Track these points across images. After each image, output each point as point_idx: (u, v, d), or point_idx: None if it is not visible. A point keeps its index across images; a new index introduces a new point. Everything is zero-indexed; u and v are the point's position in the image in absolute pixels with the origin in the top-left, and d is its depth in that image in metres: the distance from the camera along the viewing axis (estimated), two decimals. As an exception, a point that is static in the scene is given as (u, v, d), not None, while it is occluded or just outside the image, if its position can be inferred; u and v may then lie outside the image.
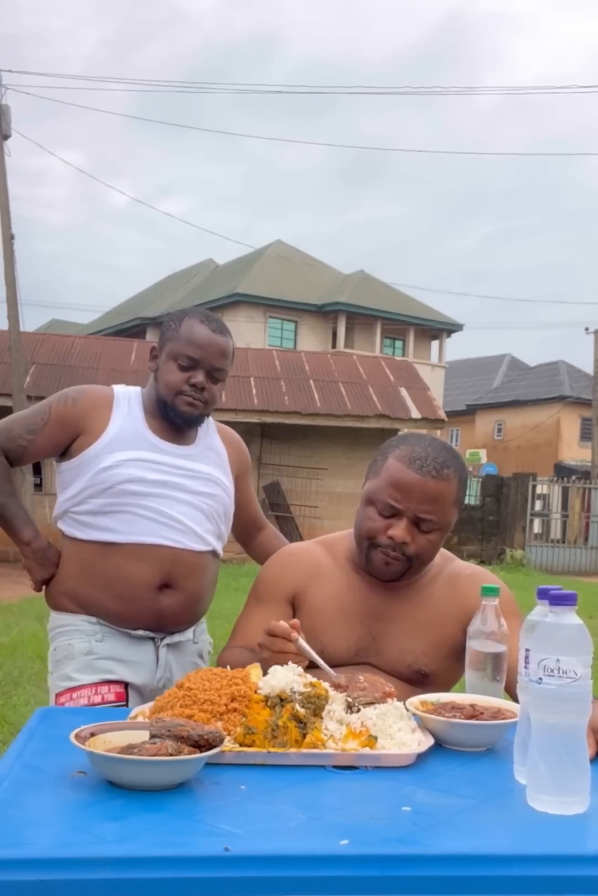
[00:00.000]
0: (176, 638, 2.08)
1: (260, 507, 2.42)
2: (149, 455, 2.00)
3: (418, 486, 1.70)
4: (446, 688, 1.79)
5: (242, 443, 2.29)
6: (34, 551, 2.06)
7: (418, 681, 1.76)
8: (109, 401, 2.05)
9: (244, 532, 2.36)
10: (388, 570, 1.75)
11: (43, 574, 2.06)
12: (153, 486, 1.98)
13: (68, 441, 2.03)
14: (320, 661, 1.55)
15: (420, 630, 1.79)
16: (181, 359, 1.99)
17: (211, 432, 2.17)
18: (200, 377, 1.99)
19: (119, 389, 2.10)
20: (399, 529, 1.72)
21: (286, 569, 1.87)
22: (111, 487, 1.96)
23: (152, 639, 2.05)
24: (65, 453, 2.05)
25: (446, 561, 1.89)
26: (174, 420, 2.03)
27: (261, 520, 2.40)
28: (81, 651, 2.00)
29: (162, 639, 2.05)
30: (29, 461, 2.11)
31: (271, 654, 1.53)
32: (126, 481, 1.96)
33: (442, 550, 1.90)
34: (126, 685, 1.99)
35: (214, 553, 2.10)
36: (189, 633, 2.11)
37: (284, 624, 1.55)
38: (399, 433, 1.88)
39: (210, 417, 2.18)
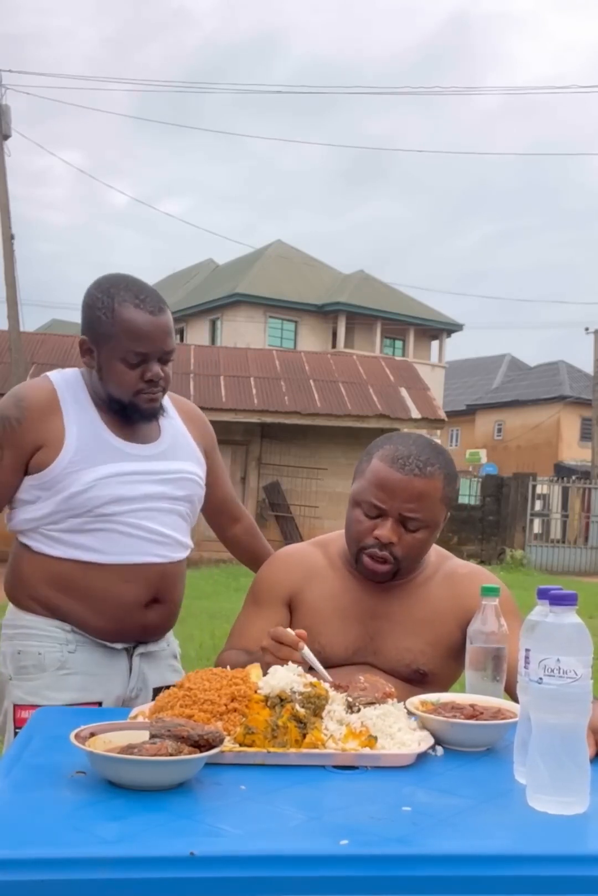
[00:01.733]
0: (151, 647, 1.97)
1: (233, 489, 2.23)
2: (122, 467, 1.84)
3: (401, 485, 1.70)
4: (445, 687, 1.79)
5: (201, 413, 2.13)
6: None
7: (417, 680, 1.76)
8: (53, 399, 1.84)
9: (217, 517, 2.19)
10: (377, 571, 1.75)
11: None
12: (134, 501, 1.85)
13: (29, 459, 1.83)
14: (322, 671, 1.54)
15: (418, 629, 1.79)
16: (129, 356, 1.78)
17: (171, 414, 1.99)
18: (154, 368, 1.80)
19: (56, 379, 1.88)
20: (385, 529, 1.72)
21: (283, 571, 1.88)
22: (89, 511, 1.82)
23: (127, 648, 1.95)
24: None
25: (442, 559, 1.89)
26: (137, 418, 1.86)
27: (236, 507, 2.22)
28: (53, 664, 1.86)
29: (134, 647, 1.95)
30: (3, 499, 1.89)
31: (275, 659, 1.52)
32: (105, 504, 1.82)
33: (439, 549, 1.90)
34: (99, 705, 1.89)
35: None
36: (163, 643, 2.02)
37: (291, 633, 1.54)
38: (385, 433, 1.86)
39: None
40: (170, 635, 2.08)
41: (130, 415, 1.86)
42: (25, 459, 1.83)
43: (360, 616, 1.80)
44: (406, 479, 1.70)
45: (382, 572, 1.75)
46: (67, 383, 1.89)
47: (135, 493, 1.85)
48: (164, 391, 1.87)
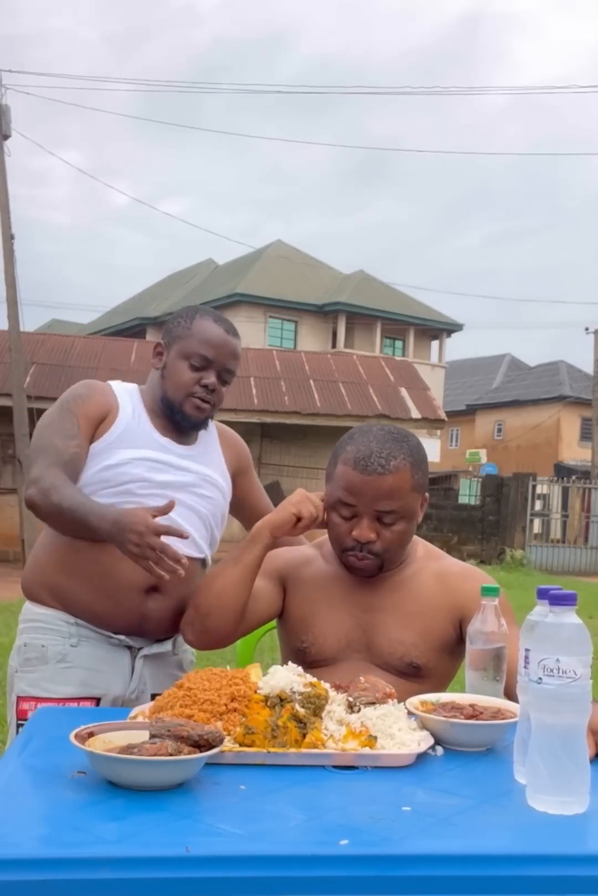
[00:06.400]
0: (154, 649, 2.00)
1: (270, 502, 2.31)
2: (156, 455, 1.96)
3: (367, 487, 1.71)
4: (441, 683, 1.80)
5: (241, 440, 2.25)
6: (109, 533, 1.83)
7: (411, 674, 1.77)
8: (112, 395, 2.01)
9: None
10: (362, 568, 1.78)
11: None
12: (157, 487, 1.93)
13: (97, 427, 1.95)
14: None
15: (409, 621, 1.80)
16: (194, 358, 1.95)
17: (211, 432, 2.13)
18: (212, 378, 1.96)
19: (116, 384, 2.06)
20: (362, 529, 1.74)
21: (283, 552, 1.94)
22: (116, 486, 1.91)
23: (130, 647, 1.97)
24: None
25: (432, 557, 1.90)
26: (181, 422, 1.98)
27: None
28: (55, 656, 1.92)
29: (139, 648, 1.98)
30: (82, 466, 1.93)
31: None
32: (131, 481, 1.91)
33: (429, 547, 1.92)
34: (97, 701, 1.92)
35: (203, 562, 2.06)
36: (168, 645, 2.03)
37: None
38: (350, 430, 1.87)
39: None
40: (179, 641, 2.06)
41: (177, 420, 1.99)
42: (95, 427, 1.96)
43: (352, 608, 1.82)
44: (372, 480, 1.71)
45: (367, 568, 1.78)
46: (126, 389, 2.06)
47: (159, 478, 1.96)
48: (214, 407, 2.01)
